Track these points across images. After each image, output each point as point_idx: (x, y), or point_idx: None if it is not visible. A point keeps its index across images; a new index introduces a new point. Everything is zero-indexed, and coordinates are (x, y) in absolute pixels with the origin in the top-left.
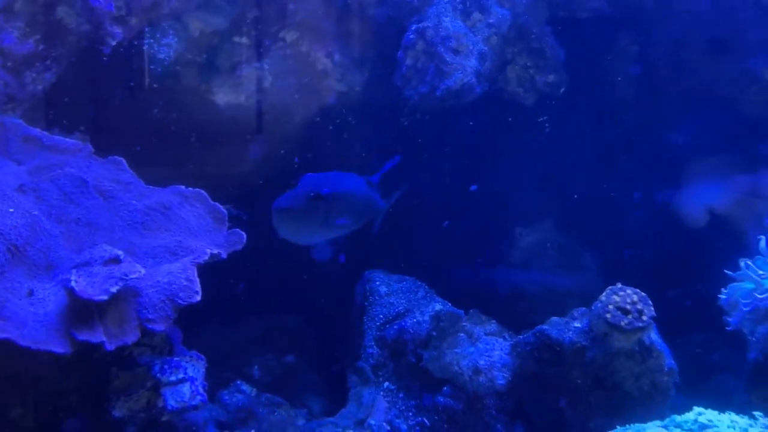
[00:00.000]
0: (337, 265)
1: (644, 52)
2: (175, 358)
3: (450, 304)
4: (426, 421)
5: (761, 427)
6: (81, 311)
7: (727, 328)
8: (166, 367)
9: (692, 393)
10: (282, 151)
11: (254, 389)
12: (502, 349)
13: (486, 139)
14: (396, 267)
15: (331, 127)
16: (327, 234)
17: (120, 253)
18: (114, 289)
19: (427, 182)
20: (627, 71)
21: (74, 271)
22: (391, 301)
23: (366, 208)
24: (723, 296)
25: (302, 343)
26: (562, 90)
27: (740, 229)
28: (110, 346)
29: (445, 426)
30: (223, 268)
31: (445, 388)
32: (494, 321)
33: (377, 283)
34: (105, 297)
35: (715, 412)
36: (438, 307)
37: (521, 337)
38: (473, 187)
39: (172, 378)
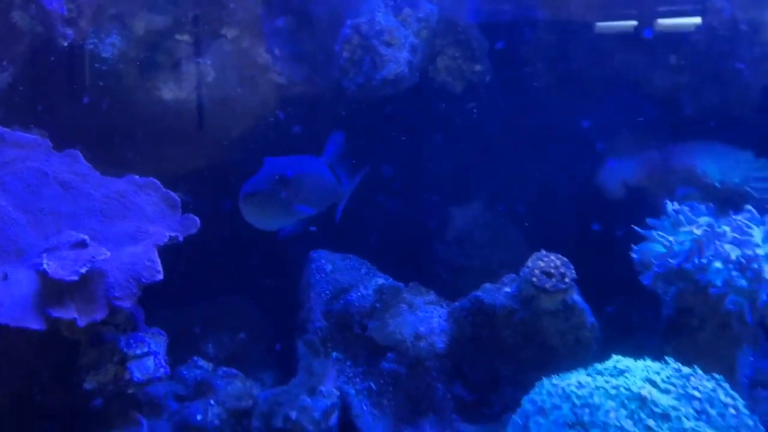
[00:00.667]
0: (284, 247)
1: (561, 41)
2: (140, 334)
3: (391, 278)
4: (373, 386)
5: (671, 370)
6: (53, 292)
7: (644, 282)
8: (131, 341)
9: (614, 349)
10: (226, 142)
11: (211, 364)
12: (440, 316)
13: (420, 125)
14: (339, 247)
15: (272, 118)
16: (292, 217)
17: (86, 237)
18: (83, 270)
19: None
20: (547, 59)
21: (45, 255)
22: (336, 277)
23: (329, 192)
24: (635, 255)
25: (253, 321)
26: (488, 78)
27: (654, 200)
28: (81, 323)
29: (391, 389)
30: (175, 252)
31: (389, 354)
32: (432, 292)
33: (323, 261)
34: (75, 277)
35: (631, 359)
36: (380, 281)
37: (457, 303)
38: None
39: (137, 352)
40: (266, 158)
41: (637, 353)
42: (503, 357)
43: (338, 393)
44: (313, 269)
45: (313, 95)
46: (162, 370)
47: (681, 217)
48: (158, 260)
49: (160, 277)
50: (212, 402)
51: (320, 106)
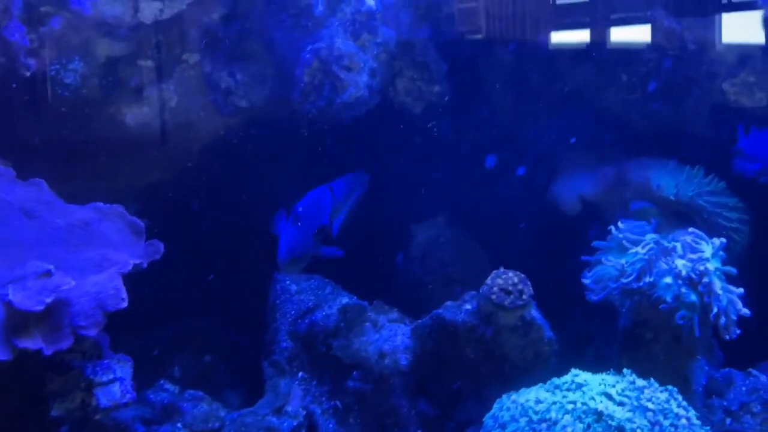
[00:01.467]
0: (248, 266)
1: (517, 60)
2: (106, 361)
3: (356, 297)
4: (339, 404)
5: (627, 383)
6: (19, 322)
7: (592, 299)
8: (97, 369)
9: (574, 360)
10: (190, 164)
11: (177, 387)
12: (404, 334)
13: (381, 145)
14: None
15: (235, 140)
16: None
17: (51, 267)
18: (48, 300)
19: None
20: (503, 79)
21: (10, 285)
22: (301, 298)
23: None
24: (587, 279)
25: (218, 343)
26: (447, 98)
27: (610, 214)
28: (48, 352)
29: (356, 407)
30: (139, 274)
31: (354, 372)
32: (396, 309)
33: (287, 282)
34: (41, 307)
35: (589, 374)
36: (345, 300)
37: (420, 321)
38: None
39: (103, 378)
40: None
41: (596, 364)
42: (465, 372)
43: (304, 412)
44: (279, 290)
45: (275, 118)
46: (128, 395)
47: (623, 240)
48: (123, 288)
49: (125, 305)
50: (179, 425)
51: (281, 128)
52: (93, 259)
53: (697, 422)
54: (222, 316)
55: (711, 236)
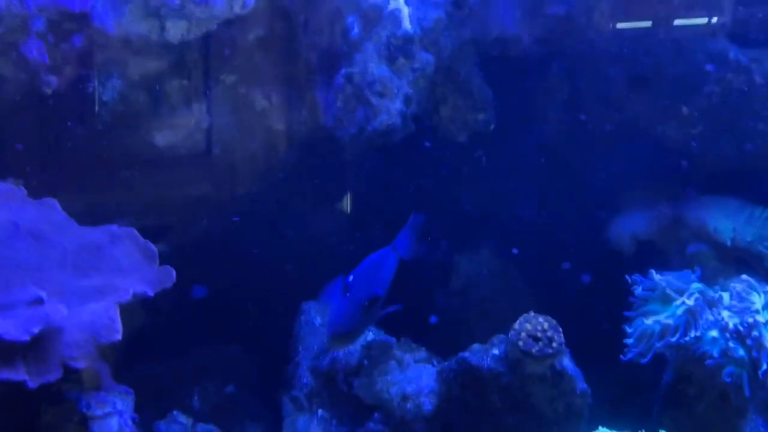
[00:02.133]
0: (275, 295)
1: (572, 89)
2: (102, 393)
3: (383, 332)
4: None
5: None
6: (4, 351)
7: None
8: (92, 401)
9: (616, 413)
10: (226, 189)
11: (191, 419)
12: (429, 376)
13: (425, 174)
14: None
15: (273, 164)
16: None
17: (43, 294)
18: (35, 330)
19: (371, 214)
20: (555, 107)
21: None
22: (325, 331)
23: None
24: (630, 339)
25: (243, 372)
26: (492, 127)
27: (665, 256)
28: (33, 384)
29: None
30: (163, 299)
31: (375, 414)
32: (423, 348)
33: (312, 314)
34: (26, 337)
35: None
36: (370, 336)
37: (446, 364)
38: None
39: (98, 412)
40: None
41: (640, 419)
42: (491, 421)
43: None
44: (303, 322)
45: (311, 142)
46: (127, 430)
47: (668, 290)
48: (118, 318)
49: (119, 337)
50: None
51: (318, 153)
52: (96, 286)
53: None
54: (248, 345)
55: None
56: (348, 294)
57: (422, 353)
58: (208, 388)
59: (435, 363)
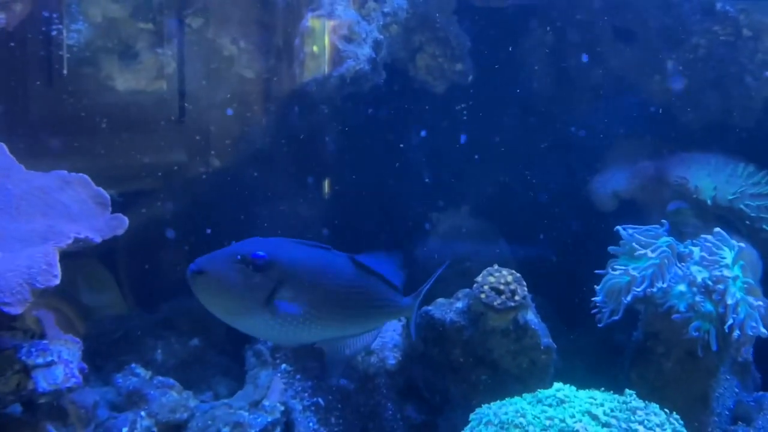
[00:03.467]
0: None
1: (554, 40)
2: (44, 341)
3: None
4: (321, 401)
5: (618, 402)
6: None
7: (599, 324)
8: (33, 350)
9: (593, 373)
10: (191, 137)
11: (149, 372)
12: (394, 330)
13: (400, 127)
14: None
15: (242, 113)
16: (279, 327)
17: None
18: None
19: (340, 167)
20: (537, 59)
21: None
22: None
23: (352, 301)
24: (599, 296)
25: (208, 326)
26: (470, 78)
27: (647, 213)
28: None
29: (339, 405)
30: (127, 250)
31: None
32: None
33: None
34: None
35: (573, 389)
36: None
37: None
38: None
39: (40, 360)
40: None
41: (611, 379)
42: (454, 377)
43: (282, 408)
44: None
45: (280, 91)
46: (74, 380)
47: (635, 244)
48: (57, 264)
49: (56, 281)
50: (143, 413)
51: (287, 103)
52: (39, 230)
53: None
54: None
55: (754, 244)
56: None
57: None
58: (172, 341)
59: (402, 318)
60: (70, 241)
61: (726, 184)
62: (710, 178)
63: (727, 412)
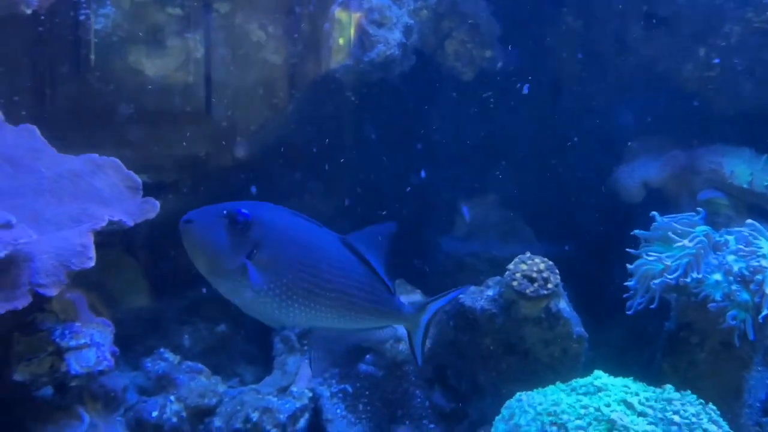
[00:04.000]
0: None
1: (585, 28)
2: (77, 324)
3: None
4: (349, 388)
5: (653, 392)
6: None
7: (628, 311)
8: (66, 332)
9: (623, 363)
10: (219, 123)
11: (178, 357)
12: None
13: (427, 113)
14: None
15: (268, 99)
16: (252, 296)
17: (12, 218)
18: (1, 254)
19: (367, 155)
20: (568, 47)
21: None
22: None
23: (334, 285)
24: (631, 282)
25: (235, 312)
26: (500, 65)
27: (676, 203)
28: None
29: (367, 392)
30: (158, 236)
31: (367, 356)
32: (419, 291)
33: None
34: None
35: (611, 378)
36: None
37: None
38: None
39: (73, 343)
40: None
41: (642, 369)
42: (484, 365)
43: (310, 394)
44: None
45: (309, 76)
46: (105, 363)
47: (669, 232)
48: (92, 246)
49: (91, 264)
50: (172, 398)
51: (317, 88)
52: (72, 214)
53: None
54: None
55: None
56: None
57: (417, 295)
58: (200, 327)
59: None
60: (104, 224)
61: (762, 172)
62: (746, 165)
63: (758, 404)
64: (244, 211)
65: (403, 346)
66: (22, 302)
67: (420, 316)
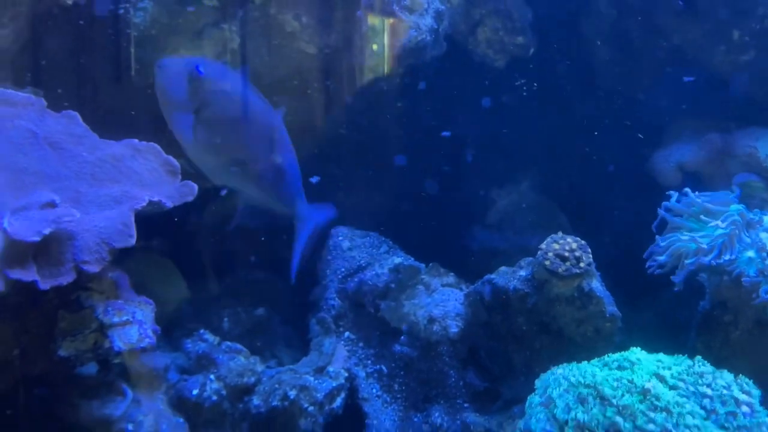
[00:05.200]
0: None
1: (617, 12)
2: (119, 302)
3: (412, 258)
4: (384, 368)
5: (686, 366)
6: (15, 252)
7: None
8: (110, 309)
9: (657, 348)
10: None
11: (217, 338)
12: (456, 299)
13: (459, 101)
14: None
15: (303, 89)
16: (189, 148)
17: (56, 197)
18: (46, 231)
19: (399, 143)
20: (599, 32)
21: (9, 214)
22: (353, 255)
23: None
24: (661, 256)
25: (274, 296)
26: (532, 51)
27: (712, 187)
28: (44, 286)
29: (402, 373)
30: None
31: (402, 337)
32: (452, 273)
33: (340, 238)
34: (37, 238)
35: (644, 353)
36: (397, 260)
37: (473, 286)
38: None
39: (116, 319)
40: None
41: (676, 351)
42: (517, 345)
43: (346, 374)
44: (330, 246)
45: (343, 65)
46: (147, 340)
47: (703, 211)
48: (133, 224)
49: (133, 242)
50: (212, 377)
51: (350, 76)
52: (113, 195)
53: (763, 410)
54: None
55: None
56: None
57: (450, 278)
58: (238, 310)
59: (463, 287)
60: (144, 203)
61: None
62: None
63: None
64: (201, 69)
65: (437, 327)
66: (67, 278)
67: (311, 213)
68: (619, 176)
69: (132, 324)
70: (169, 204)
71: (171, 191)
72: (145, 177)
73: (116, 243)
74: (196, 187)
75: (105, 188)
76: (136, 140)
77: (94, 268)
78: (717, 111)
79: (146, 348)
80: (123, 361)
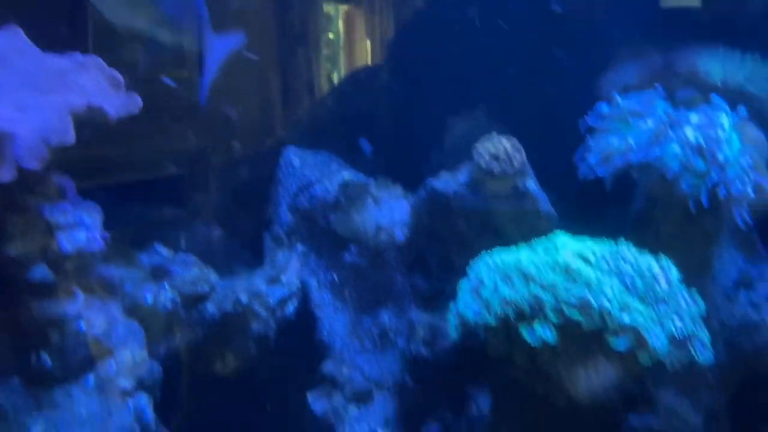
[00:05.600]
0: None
1: None
2: (65, 203)
3: (362, 174)
4: (335, 277)
5: (609, 249)
6: None
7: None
8: (55, 209)
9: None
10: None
11: (172, 252)
12: (403, 209)
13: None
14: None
15: None
16: None
17: None
18: None
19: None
20: None
21: None
22: (304, 172)
23: None
24: (591, 156)
25: (228, 216)
26: None
27: None
28: None
29: (352, 280)
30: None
31: (351, 247)
32: (400, 186)
33: (291, 156)
34: None
35: (570, 238)
36: (346, 176)
37: (416, 194)
38: None
39: (62, 221)
40: None
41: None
42: (459, 247)
43: (299, 284)
44: (282, 164)
45: None
46: (96, 243)
47: (629, 112)
48: (70, 123)
49: (70, 139)
50: (166, 285)
51: None
52: (56, 102)
53: (681, 285)
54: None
55: (764, 129)
56: None
57: (398, 190)
58: (196, 231)
59: (410, 198)
60: (84, 106)
61: (735, 70)
62: (719, 64)
63: (730, 283)
64: None
65: (384, 236)
66: (7, 175)
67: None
68: (569, 99)
69: (79, 227)
70: (113, 114)
71: (115, 102)
72: (90, 89)
73: (54, 140)
74: (140, 99)
75: (48, 97)
76: (80, 54)
77: (34, 164)
78: (661, 30)
79: (96, 251)
80: (74, 265)
